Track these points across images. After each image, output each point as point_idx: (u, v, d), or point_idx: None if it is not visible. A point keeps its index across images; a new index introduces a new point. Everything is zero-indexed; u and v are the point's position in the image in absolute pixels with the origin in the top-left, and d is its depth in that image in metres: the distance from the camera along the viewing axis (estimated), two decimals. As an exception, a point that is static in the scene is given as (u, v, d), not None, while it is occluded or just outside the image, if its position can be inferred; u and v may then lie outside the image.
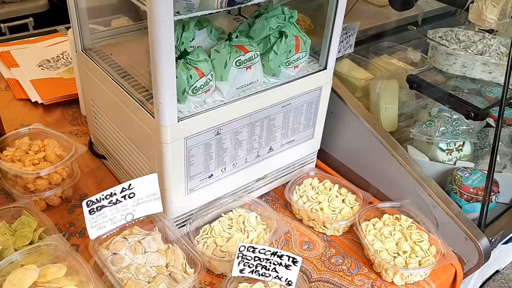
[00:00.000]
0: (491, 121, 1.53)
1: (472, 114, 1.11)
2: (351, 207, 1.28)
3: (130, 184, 1.00)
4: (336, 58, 1.48)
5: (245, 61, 1.08)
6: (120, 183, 1.31)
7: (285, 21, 1.16)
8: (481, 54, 1.23)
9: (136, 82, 1.13)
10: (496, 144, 1.10)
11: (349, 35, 1.52)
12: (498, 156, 1.29)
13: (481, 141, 1.34)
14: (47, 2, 3.13)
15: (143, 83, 1.12)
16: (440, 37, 1.29)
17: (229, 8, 1.02)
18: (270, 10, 1.17)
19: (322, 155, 1.46)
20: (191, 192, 1.14)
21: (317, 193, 1.32)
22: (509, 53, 1.05)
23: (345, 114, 1.38)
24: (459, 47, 1.26)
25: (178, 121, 1.01)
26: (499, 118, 1.10)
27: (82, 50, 1.25)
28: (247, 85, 1.12)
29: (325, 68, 1.26)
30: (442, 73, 1.35)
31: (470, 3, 1.02)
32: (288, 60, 1.17)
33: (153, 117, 1.02)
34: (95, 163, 1.39)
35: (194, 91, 1.02)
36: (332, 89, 1.34)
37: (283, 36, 1.14)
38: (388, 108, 1.39)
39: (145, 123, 1.06)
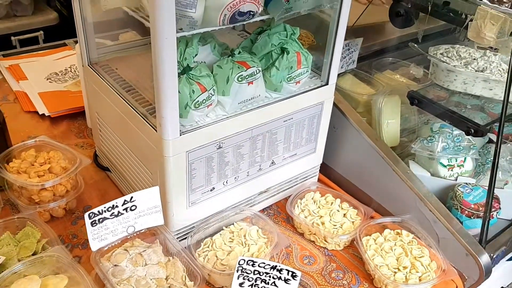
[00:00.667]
0: (494, 137, 1.54)
1: (472, 131, 1.12)
2: (352, 222, 1.28)
3: (132, 197, 1.02)
4: (339, 74, 1.50)
5: (247, 77, 1.10)
6: (123, 195, 1.33)
7: (287, 37, 1.19)
8: (482, 71, 1.24)
9: (140, 96, 1.15)
10: (496, 160, 1.11)
11: (352, 51, 1.54)
12: (500, 173, 1.29)
13: (482, 157, 1.35)
14: (57, 15, 3.19)
15: (147, 97, 1.15)
16: (441, 53, 1.30)
17: (231, 25, 1.04)
18: (272, 27, 1.19)
19: (324, 169, 1.47)
20: (193, 205, 1.15)
21: (319, 207, 1.32)
22: (509, 70, 1.06)
23: (347, 129, 1.39)
24: (460, 63, 1.27)
25: (180, 135, 1.03)
26: (499, 135, 1.10)
27: (88, 65, 1.28)
28: (249, 100, 1.13)
29: (327, 83, 1.27)
30: (445, 89, 1.36)
31: (469, 21, 1.03)
32: (289, 75, 1.18)
33: (156, 130, 1.03)
34: (100, 175, 1.41)
35: (197, 106, 1.04)
36: (334, 104, 1.36)
37: (285, 53, 1.16)
38: (390, 124, 1.40)
39: (148, 136, 1.08)
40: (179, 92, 0.99)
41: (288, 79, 1.19)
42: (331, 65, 1.25)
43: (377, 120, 1.38)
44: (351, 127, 1.37)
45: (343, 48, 1.46)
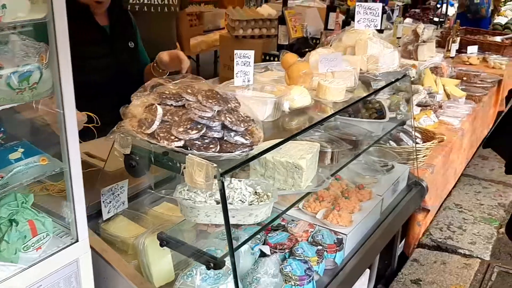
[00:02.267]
0: (267, 249, 1.66)
1: (212, 264, 1.19)
2: None
3: None
4: (109, 218, 1.52)
5: (-36, 262, 1.03)
6: None
7: (18, 207, 1.17)
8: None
9: None
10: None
11: (119, 194, 1.57)
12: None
13: (250, 275, 1.43)
14: None
15: None
16: (187, 190, 1.39)
17: None
18: (1, 197, 1.17)
19: (104, 322, 1.40)
20: None
21: None
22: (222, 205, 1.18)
23: (115, 277, 1.37)
24: (206, 196, 1.37)
25: None
26: (233, 265, 1.20)
27: None
28: (-26, 283, 1.06)
29: (77, 240, 1.26)
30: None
31: (183, 169, 1.15)
32: (25, 245, 1.15)
33: None
34: None
35: None
36: (99, 254, 1.34)
37: (13, 224, 1.13)
38: (160, 261, 1.41)
39: None
40: None
41: (25, 249, 1.15)
42: (77, 222, 1.25)
43: (144, 262, 1.39)
44: (118, 276, 1.36)
45: (107, 192, 1.49)
